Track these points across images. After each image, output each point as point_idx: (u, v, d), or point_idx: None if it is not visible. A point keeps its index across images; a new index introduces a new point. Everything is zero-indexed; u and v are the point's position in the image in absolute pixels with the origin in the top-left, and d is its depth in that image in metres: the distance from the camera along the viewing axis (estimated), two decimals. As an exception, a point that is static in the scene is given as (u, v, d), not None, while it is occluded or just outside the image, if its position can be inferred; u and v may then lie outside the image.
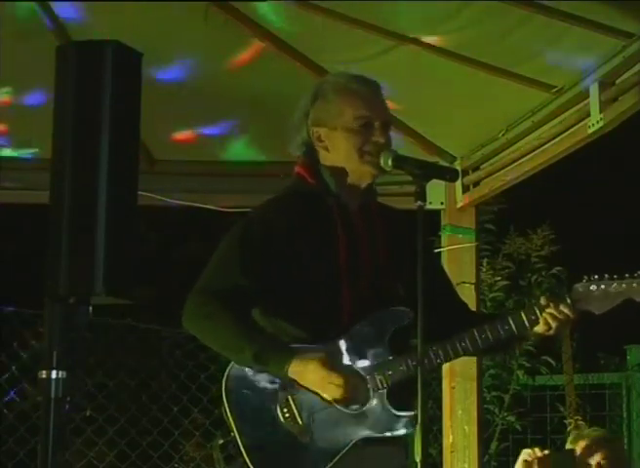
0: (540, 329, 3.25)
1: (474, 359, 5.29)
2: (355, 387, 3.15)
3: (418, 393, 2.98)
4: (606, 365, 7.78)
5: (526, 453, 3.75)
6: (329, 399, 3.12)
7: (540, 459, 3.69)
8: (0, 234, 8.02)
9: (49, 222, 2.86)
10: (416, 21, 4.44)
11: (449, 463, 5.39)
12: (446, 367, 5.40)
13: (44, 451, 2.74)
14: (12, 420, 6.45)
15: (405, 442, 3.28)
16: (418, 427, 2.87)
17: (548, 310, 3.22)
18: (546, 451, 3.80)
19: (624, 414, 7.39)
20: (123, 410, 6.66)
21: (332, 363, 3.12)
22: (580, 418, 6.93)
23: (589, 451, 3.98)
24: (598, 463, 3.98)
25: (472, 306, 5.13)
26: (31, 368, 6.16)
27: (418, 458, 2.87)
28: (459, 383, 5.38)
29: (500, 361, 7.43)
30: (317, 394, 3.12)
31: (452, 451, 5.38)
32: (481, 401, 5.50)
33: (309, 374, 3.10)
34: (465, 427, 5.35)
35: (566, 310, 3.23)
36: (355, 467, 3.18)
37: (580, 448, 4.03)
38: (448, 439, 5.41)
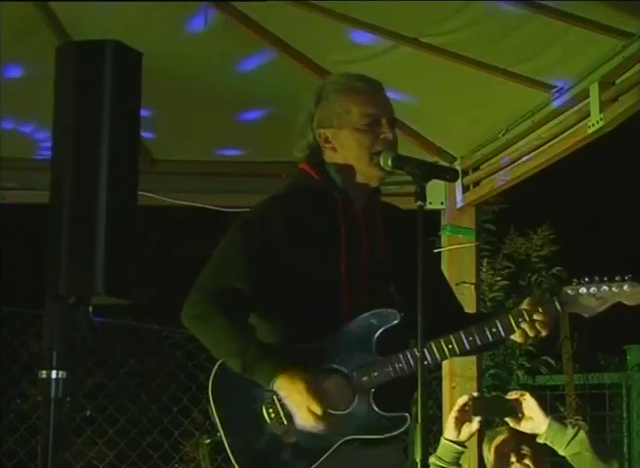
0: (528, 331, 3.23)
1: (474, 359, 5.29)
2: (339, 389, 3.15)
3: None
4: (606, 365, 7.76)
5: (464, 397, 3.77)
6: (301, 423, 3.10)
7: (475, 400, 3.70)
8: (0, 234, 8.01)
9: (49, 222, 2.85)
10: (416, 21, 4.44)
11: (449, 463, 5.38)
12: (446, 367, 5.40)
13: (44, 451, 2.74)
14: (12, 420, 6.46)
15: (401, 441, 3.28)
16: (418, 427, 2.87)
17: (536, 315, 3.22)
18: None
19: (624, 415, 7.37)
20: (123, 410, 6.66)
21: (317, 385, 3.10)
22: (580, 418, 6.91)
23: (508, 443, 3.96)
24: (519, 452, 3.94)
25: (472, 306, 5.14)
26: (31, 368, 6.16)
27: (418, 458, 2.87)
28: (459, 383, 5.37)
29: (499, 361, 7.42)
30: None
31: (452, 451, 5.36)
32: (481, 401, 5.49)
33: (294, 395, 3.08)
34: (465, 427, 5.34)
35: (554, 313, 3.23)
36: (351, 467, 3.18)
37: (497, 442, 4.00)
38: (448, 439, 5.40)
